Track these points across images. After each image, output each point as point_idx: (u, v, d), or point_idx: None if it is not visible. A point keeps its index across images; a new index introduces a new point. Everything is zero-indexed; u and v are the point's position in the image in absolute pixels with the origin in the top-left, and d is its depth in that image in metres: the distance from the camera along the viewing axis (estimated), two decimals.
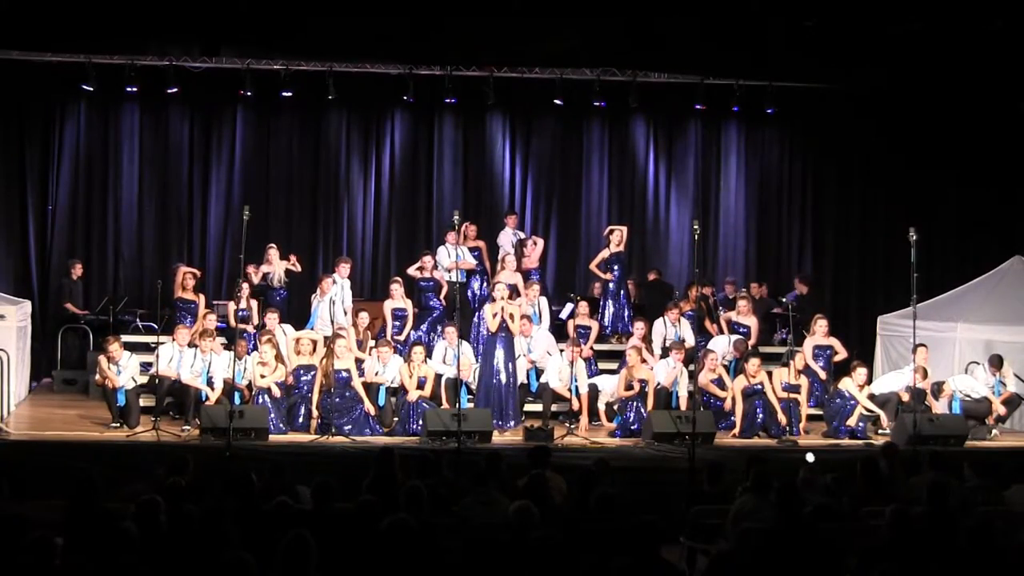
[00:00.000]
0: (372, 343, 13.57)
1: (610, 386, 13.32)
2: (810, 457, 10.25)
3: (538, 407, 13.32)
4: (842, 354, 13.87)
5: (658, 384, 13.01)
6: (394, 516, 6.47)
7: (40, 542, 5.94)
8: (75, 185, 16.81)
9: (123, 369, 12.51)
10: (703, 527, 8.33)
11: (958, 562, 6.61)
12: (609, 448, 12.02)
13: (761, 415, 12.80)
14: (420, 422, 12.21)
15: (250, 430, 11.55)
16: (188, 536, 6.55)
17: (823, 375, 13.70)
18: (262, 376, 12.38)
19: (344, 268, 14.55)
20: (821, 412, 13.33)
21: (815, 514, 7.46)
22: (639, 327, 13.94)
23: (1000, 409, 13.20)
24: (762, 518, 7.56)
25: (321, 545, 6.00)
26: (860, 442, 12.56)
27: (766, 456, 10.11)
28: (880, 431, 12.94)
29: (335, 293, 13.93)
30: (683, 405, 12.76)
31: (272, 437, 11.81)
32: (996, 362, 13.36)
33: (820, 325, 13.95)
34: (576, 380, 12.85)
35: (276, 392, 12.35)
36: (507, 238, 15.87)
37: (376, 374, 12.83)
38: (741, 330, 14.40)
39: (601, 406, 13.37)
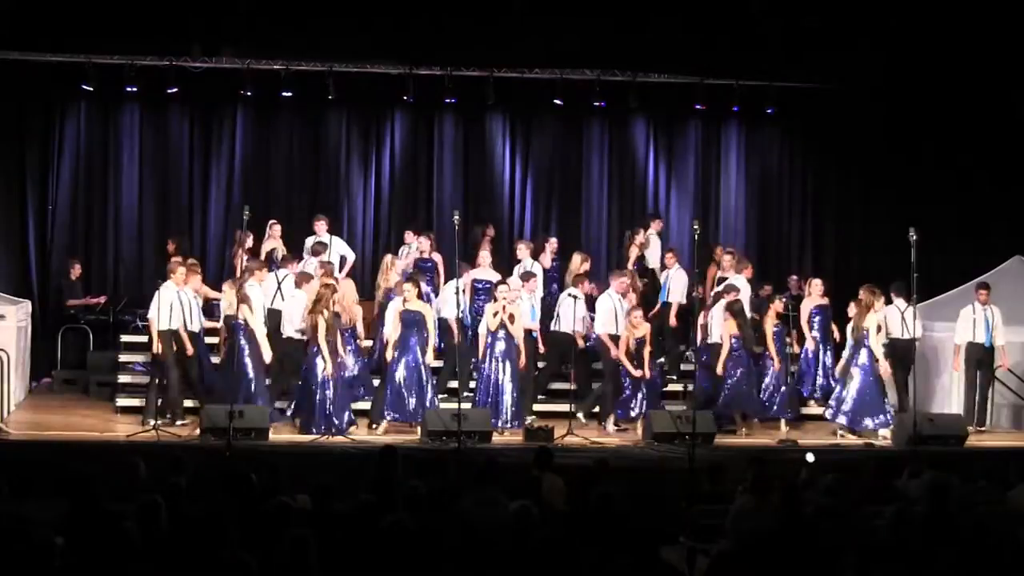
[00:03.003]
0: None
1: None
2: (810, 457, 10.26)
3: (541, 407, 13.32)
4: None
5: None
6: (394, 516, 6.47)
7: (40, 542, 5.94)
8: (75, 185, 16.77)
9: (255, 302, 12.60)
10: (703, 527, 8.32)
11: (958, 562, 6.61)
12: (609, 448, 12.04)
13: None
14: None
15: (250, 430, 11.56)
16: (188, 536, 6.54)
17: (821, 350, 13.62)
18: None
19: (320, 225, 15.11)
20: (822, 412, 13.32)
21: (815, 514, 7.46)
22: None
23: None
24: (762, 518, 7.56)
25: (321, 545, 6.00)
26: (860, 442, 12.57)
27: (766, 456, 10.14)
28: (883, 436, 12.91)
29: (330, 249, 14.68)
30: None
31: (272, 437, 11.82)
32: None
33: (815, 285, 13.73)
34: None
35: (267, 357, 12.52)
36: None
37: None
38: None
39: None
